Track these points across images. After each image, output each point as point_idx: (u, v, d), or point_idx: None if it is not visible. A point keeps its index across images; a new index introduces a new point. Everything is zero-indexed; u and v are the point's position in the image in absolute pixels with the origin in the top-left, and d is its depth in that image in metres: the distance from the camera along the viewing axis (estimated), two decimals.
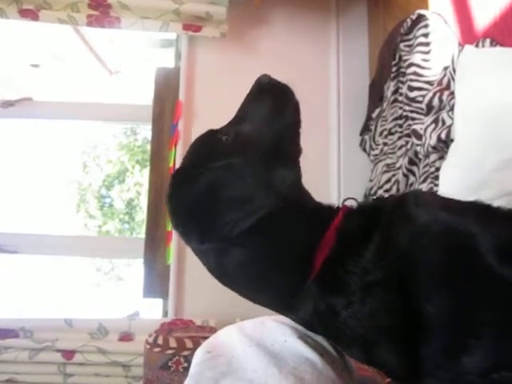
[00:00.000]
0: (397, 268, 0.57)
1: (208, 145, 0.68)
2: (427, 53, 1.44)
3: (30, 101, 2.07)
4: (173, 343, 1.31)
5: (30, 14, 1.80)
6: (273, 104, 0.68)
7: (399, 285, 0.56)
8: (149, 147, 2.06)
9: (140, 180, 3.73)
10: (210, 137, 0.69)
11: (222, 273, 0.63)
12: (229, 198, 0.59)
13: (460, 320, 0.54)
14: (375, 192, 1.75)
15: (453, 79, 1.28)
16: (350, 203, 0.68)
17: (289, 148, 0.67)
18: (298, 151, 0.69)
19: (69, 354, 1.64)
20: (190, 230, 0.61)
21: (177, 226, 0.63)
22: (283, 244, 0.61)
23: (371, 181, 1.79)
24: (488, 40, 1.16)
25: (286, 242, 0.61)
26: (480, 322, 0.53)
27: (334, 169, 1.92)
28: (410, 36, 1.55)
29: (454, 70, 1.27)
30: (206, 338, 0.71)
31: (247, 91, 0.72)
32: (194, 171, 0.63)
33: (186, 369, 1.26)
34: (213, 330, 1.48)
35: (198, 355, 0.67)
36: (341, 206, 0.67)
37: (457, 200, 0.64)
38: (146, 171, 2.32)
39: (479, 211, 0.61)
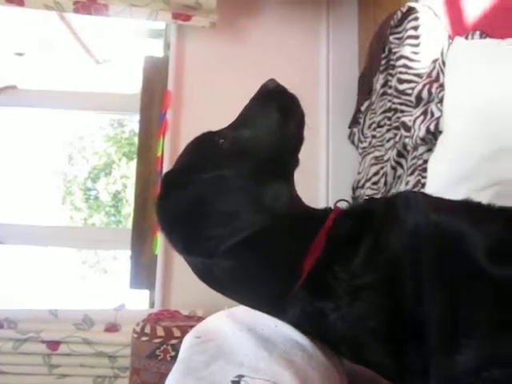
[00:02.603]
0: (386, 271, 0.57)
1: (203, 149, 0.66)
2: (417, 45, 1.45)
3: (14, 89, 2.03)
4: (160, 332, 1.30)
5: (15, 0, 1.76)
6: (277, 113, 0.65)
7: (388, 288, 0.56)
8: (136, 140, 2.04)
9: (127, 173, 3.69)
10: (206, 140, 0.67)
11: (208, 278, 0.64)
12: (216, 212, 0.58)
13: (450, 320, 0.54)
14: (363, 185, 1.75)
15: (442, 72, 1.29)
16: (342, 204, 0.67)
17: (286, 161, 0.66)
18: (294, 164, 0.67)
19: (54, 344, 1.62)
20: (175, 239, 0.60)
21: (162, 231, 0.62)
22: (271, 255, 0.60)
23: (359, 173, 1.80)
24: (478, 32, 1.16)
25: (274, 252, 0.60)
26: (471, 321, 0.54)
27: (323, 161, 1.92)
28: (400, 28, 1.55)
29: (444, 63, 1.28)
30: (194, 326, 0.70)
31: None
32: (184, 179, 0.61)
33: (174, 357, 1.25)
34: (200, 320, 1.47)
35: (187, 341, 0.66)
36: (333, 207, 0.67)
37: (447, 199, 0.64)
38: (133, 164, 2.30)
39: (470, 210, 0.61)
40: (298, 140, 0.67)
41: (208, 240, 0.57)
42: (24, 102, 2.07)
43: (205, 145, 0.66)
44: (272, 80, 0.68)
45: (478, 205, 0.62)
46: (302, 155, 0.68)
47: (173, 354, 1.26)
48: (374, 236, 0.59)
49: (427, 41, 1.41)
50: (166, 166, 1.83)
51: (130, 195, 3.21)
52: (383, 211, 0.62)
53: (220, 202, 0.58)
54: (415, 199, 0.63)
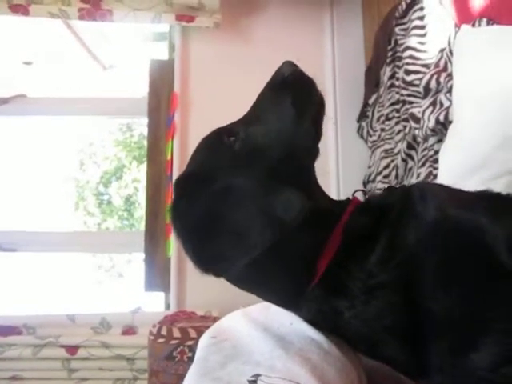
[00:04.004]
0: (403, 269, 0.56)
1: (213, 151, 0.63)
2: (423, 35, 1.43)
3: (23, 97, 2.05)
4: (176, 333, 1.31)
5: (20, 9, 1.78)
6: (292, 106, 0.61)
7: (404, 286, 0.55)
8: (145, 143, 2.05)
9: (137, 176, 3.72)
10: (216, 140, 0.63)
11: (224, 278, 0.63)
12: (226, 231, 0.56)
13: (468, 318, 0.54)
14: (374, 178, 1.74)
15: (450, 61, 1.27)
16: (360, 196, 0.66)
17: (303, 158, 0.62)
18: (313, 158, 0.64)
19: (72, 349, 1.64)
20: (188, 253, 0.59)
21: (176, 237, 0.61)
22: (286, 255, 0.59)
23: (370, 167, 1.79)
24: (484, 19, 1.14)
25: (290, 252, 0.59)
26: (488, 318, 0.53)
27: (333, 156, 1.92)
28: (405, 19, 1.54)
29: (451, 52, 1.26)
30: (210, 326, 0.70)
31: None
32: (195, 188, 0.59)
33: (191, 358, 1.25)
34: (216, 320, 1.47)
35: (203, 341, 0.66)
36: (351, 197, 0.65)
37: (465, 191, 0.62)
38: (143, 167, 2.31)
39: (489, 202, 0.59)
40: (315, 135, 0.63)
41: (219, 261, 0.56)
42: (33, 110, 2.09)
43: (215, 147, 0.63)
44: (288, 63, 0.63)
45: (498, 196, 0.60)
46: None
47: (190, 354, 1.27)
48: (391, 232, 0.58)
49: (433, 30, 1.39)
50: (176, 168, 1.84)
51: (141, 198, 3.23)
52: (400, 205, 0.60)
53: (229, 218, 0.56)
54: (432, 192, 0.61)
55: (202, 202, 0.58)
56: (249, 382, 0.55)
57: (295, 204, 0.55)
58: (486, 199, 0.60)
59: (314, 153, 0.64)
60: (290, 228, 0.54)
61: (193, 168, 0.65)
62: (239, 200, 0.57)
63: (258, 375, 0.55)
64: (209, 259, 0.57)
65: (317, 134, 0.64)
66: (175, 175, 1.81)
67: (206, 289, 1.73)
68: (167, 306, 1.86)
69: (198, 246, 0.58)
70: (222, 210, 0.57)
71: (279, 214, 0.54)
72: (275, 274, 0.61)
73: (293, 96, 0.62)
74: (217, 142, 0.64)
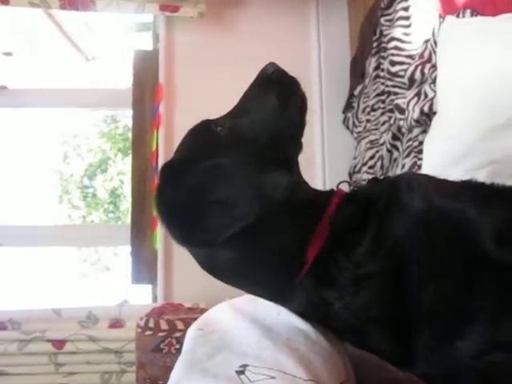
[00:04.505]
0: (390, 259, 0.56)
1: (200, 138, 0.64)
2: (408, 26, 1.44)
3: (4, 89, 2.01)
4: (164, 325, 1.31)
5: None
6: (275, 98, 0.63)
7: (392, 276, 0.56)
8: (130, 135, 2.02)
9: (123, 168, 3.68)
10: (203, 129, 0.65)
11: (212, 269, 0.63)
12: (214, 202, 0.56)
13: (454, 308, 0.54)
14: (359, 169, 1.75)
15: (434, 52, 1.28)
16: (344, 187, 0.66)
17: (288, 147, 0.64)
18: (298, 149, 0.66)
19: (59, 343, 1.63)
20: (175, 231, 0.59)
21: (162, 223, 0.61)
22: (273, 244, 0.60)
23: (355, 158, 1.80)
24: (468, 11, 1.15)
25: (276, 242, 0.60)
26: (475, 308, 0.53)
27: (318, 148, 1.92)
28: (391, 10, 1.54)
29: (436, 43, 1.27)
30: (197, 318, 0.70)
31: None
32: (182, 170, 0.60)
33: (179, 350, 1.25)
34: (203, 312, 1.48)
35: (190, 333, 0.66)
36: (335, 189, 0.66)
37: (450, 181, 0.63)
38: (129, 159, 2.29)
39: (474, 192, 0.60)
40: (299, 125, 0.66)
41: (207, 230, 0.56)
42: (15, 102, 2.05)
43: (202, 134, 0.65)
44: (271, 63, 0.66)
45: (482, 185, 0.61)
46: None
47: (177, 346, 1.27)
48: (378, 223, 0.58)
49: (418, 21, 1.40)
50: (162, 160, 1.82)
51: (127, 191, 3.20)
52: (387, 196, 0.60)
53: (218, 190, 0.56)
54: (418, 182, 0.62)
55: (188, 179, 0.59)
56: (236, 372, 0.55)
57: (282, 181, 0.56)
58: (471, 189, 0.61)
59: (298, 143, 0.66)
60: (277, 204, 0.55)
61: (180, 154, 0.65)
62: (227, 175, 0.57)
63: (245, 365, 0.56)
64: (197, 231, 0.57)
65: (300, 123, 0.65)
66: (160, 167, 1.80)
67: (193, 281, 1.72)
68: (154, 299, 1.86)
69: (185, 221, 0.58)
70: (209, 184, 0.57)
71: (268, 188, 0.55)
72: (263, 267, 0.61)
73: (277, 90, 0.64)
74: (203, 130, 0.65)
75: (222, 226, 0.55)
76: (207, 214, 0.56)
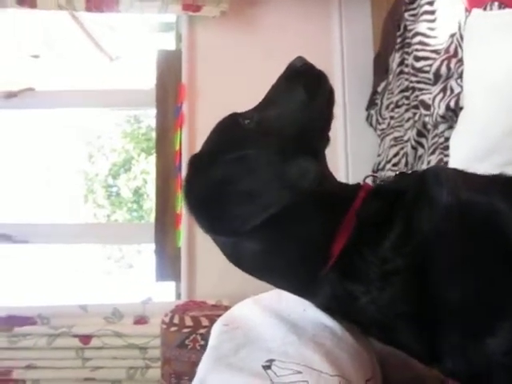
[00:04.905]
0: (418, 255, 0.56)
1: (227, 130, 0.65)
2: (433, 21, 1.42)
3: (32, 91, 2.06)
4: (189, 322, 1.32)
5: (27, 2, 1.78)
6: (303, 91, 0.64)
7: (420, 271, 0.56)
8: (153, 135, 2.05)
9: (146, 168, 3.73)
10: (231, 121, 0.66)
11: (238, 260, 0.63)
12: (241, 191, 0.57)
13: (484, 303, 0.54)
14: (383, 167, 1.74)
15: (460, 46, 1.26)
16: (370, 181, 0.66)
17: (315, 139, 0.64)
18: (325, 142, 0.66)
19: (86, 338, 1.66)
20: (201, 219, 0.60)
21: (190, 212, 0.62)
22: (299, 236, 0.60)
23: (379, 155, 1.78)
24: (496, 3, 1.13)
25: (303, 233, 0.60)
26: (505, 303, 0.53)
27: (341, 145, 1.91)
28: (415, 5, 1.52)
29: (462, 37, 1.25)
30: (221, 315, 0.71)
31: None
32: (209, 161, 0.61)
33: (203, 346, 1.26)
34: (227, 309, 1.49)
35: (215, 329, 0.67)
36: (362, 183, 0.66)
37: (479, 175, 0.62)
38: (152, 159, 2.32)
39: (503, 186, 0.59)
40: (326, 118, 0.66)
41: (233, 219, 0.57)
42: (42, 103, 2.10)
43: (230, 127, 0.66)
44: (299, 57, 0.67)
45: None
46: None
47: (202, 342, 1.28)
48: (405, 217, 0.58)
49: (443, 15, 1.37)
50: (185, 160, 1.84)
51: (150, 190, 3.25)
52: (414, 190, 0.60)
53: (245, 180, 0.57)
54: (446, 175, 0.61)
55: (216, 170, 0.59)
56: (263, 367, 0.56)
57: (311, 170, 0.57)
58: (501, 183, 0.60)
59: (325, 136, 0.66)
60: (305, 193, 0.55)
61: (207, 147, 0.66)
62: (255, 166, 0.58)
63: (271, 360, 0.56)
64: (223, 219, 0.57)
65: (328, 116, 0.66)
66: (184, 166, 1.82)
67: (216, 278, 1.75)
68: (178, 296, 1.87)
69: (212, 210, 0.58)
70: (236, 175, 0.58)
71: (296, 178, 0.56)
72: (289, 258, 0.61)
73: (305, 83, 0.64)
74: (231, 123, 0.66)
75: (249, 214, 0.56)
76: (234, 203, 0.57)
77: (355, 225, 0.59)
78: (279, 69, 0.70)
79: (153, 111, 2.01)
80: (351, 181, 2.02)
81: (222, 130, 0.66)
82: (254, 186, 0.57)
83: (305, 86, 0.64)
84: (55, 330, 1.67)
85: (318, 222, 0.60)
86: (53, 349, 1.67)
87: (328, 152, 0.67)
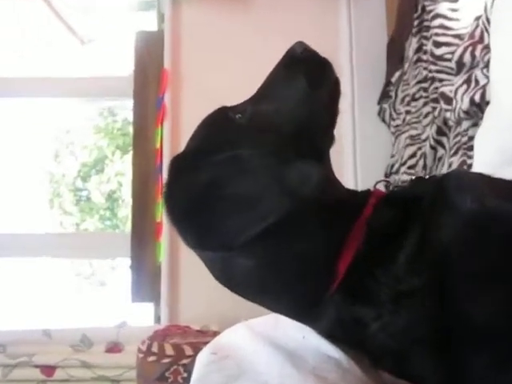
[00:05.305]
0: (437, 271, 0.56)
1: (216, 126, 0.65)
2: (455, 1, 1.43)
3: None
4: (169, 350, 1.32)
5: None
6: (305, 81, 0.64)
7: (439, 291, 0.56)
8: (130, 129, 2.05)
9: (121, 169, 3.72)
10: (220, 116, 0.66)
11: (228, 279, 0.63)
12: (233, 198, 0.56)
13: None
14: (398, 170, 1.75)
15: (487, 30, 1.27)
16: (382, 187, 0.67)
17: (318, 137, 0.64)
18: (329, 141, 0.66)
19: (49, 369, 1.65)
20: (186, 231, 0.59)
21: (172, 223, 0.61)
22: (300, 251, 0.60)
23: (393, 156, 1.79)
24: None
25: (303, 248, 0.60)
26: None
27: (349, 144, 1.92)
28: None
29: (488, 20, 1.26)
30: (209, 342, 0.71)
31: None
32: (195, 162, 0.61)
33: (186, 379, 1.26)
34: (216, 335, 1.49)
35: (202, 358, 0.67)
36: (372, 189, 0.66)
37: (506, 180, 0.62)
38: (128, 158, 2.31)
39: None
40: (331, 113, 0.66)
41: (225, 230, 0.56)
42: (2, 91, 2.10)
43: (219, 123, 0.65)
44: (300, 42, 0.67)
45: None
46: None
47: (185, 375, 1.28)
48: (422, 228, 0.58)
49: None
50: (167, 159, 1.84)
51: (126, 195, 3.24)
52: (432, 196, 0.60)
53: (238, 185, 0.57)
54: (469, 180, 0.62)
55: (202, 174, 0.59)
56: None
57: (313, 174, 0.56)
58: None
59: (329, 134, 0.66)
60: (307, 201, 0.55)
61: (191, 147, 0.66)
62: (248, 168, 0.57)
63: None
64: (213, 231, 0.57)
65: (333, 111, 0.66)
66: (166, 167, 1.82)
67: (202, 300, 1.74)
68: (157, 320, 1.88)
69: (199, 221, 0.58)
70: (226, 179, 0.57)
71: (296, 183, 0.55)
72: (287, 277, 0.61)
73: (306, 71, 0.64)
74: (220, 119, 0.65)
75: (242, 225, 0.55)
76: (224, 212, 0.56)
77: (364, 237, 0.59)
78: (277, 54, 0.70)
79: (130, 102, 2.02)
80: (360, 187, 2.03)
81: (210, 125, 0.66)
82: (249, 191, 0.56)
83: (306, 76, 0.64)
84: (13, 359, 1.65)
85: (322, 235, 0.60)
86: (9, 381, 1.66)
87: (333, 151, 0.67)
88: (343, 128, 1.90)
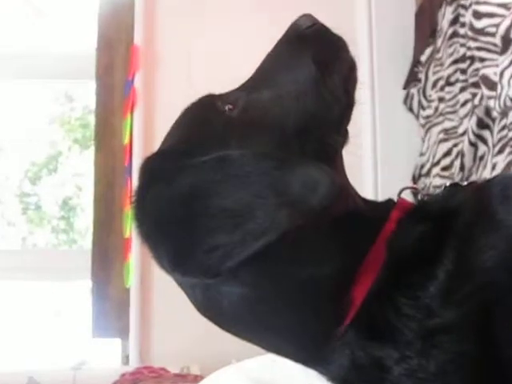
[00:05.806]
0: (479, 303, 0.57)
1: (200, 121, 0.66)
2: None
3: None
4: None
5: None
6: (312, 64, 0.64)
7: (482, 328, 0.56)
8: (92, 119, 2.05)
9: (80, 168, 3.72)
10: (205, 107, 0.66)
11: (212, 311, 0.63)
12: (219, 210, 0.56)
13: None
14: (428, 171, 1.75)
15: None
16: (409, 196, 0.67)
17: (328, 135, 0.64)
18: (342, 140, 0.66)
19: None
20: (160, 251, 0.59)
21: (143, 239, 0.60)
22: (304, 277, 0.60)
23: (423, 155, 1.80)
24: None
25: (308, 273, 0.60)
26: None
27: (367, 143, 1.92)
28: None
29: None
30: None
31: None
32: (173, 165, 0.60)
33: None
34: (197, 380, 1.49)
35: None
36: (396, 200, 0.66)
37: None
38: (89, 155, 2.31)
39: None
40: (345, 103, 0.66)
41: (209, 251, 0.55)
42: None
43: (203, 115, 0.66)
44: (306, 15, 0.67)
45: None
46: None
47: None
48: (459, 250, 0.59)
49: None
50: (138, 156, 1.84)
51: (86, 202, 3.23)
52: (472, 209, 0.61)
53: (225, 194, 0.56)
54: None
55: (182, 179, 0.59)
56: None
57: (321, 181, 0.55)
58: None
59: (342, 130, 0.66)
60: (314, 215, 0.54)
61: (168, 144, 0.66)
62: (238, 173, 0.57)
63: None
64: (193, 252, 0.56)
65: (347, 101, 0.66)
66: (136, 168, 1.82)
67: (181, 334, 1.74)
68: (125, 360, 1.88)
69: (176, 239, 0.57)
70: (213, 185, 0.57)
71: (300, 192, 0.54)
72: (287, 310, 0.61)
73: (314, 52, 0.65)
74: (205, 110, 0.66)
75: (230, 246, 0.55)
76: (209, 229, 0.56)
77: (386, 260, 0.60)
78: (278, 28, 0.70)
79: (92, 86, 2.02)
80: (381, 196, 2.05)
81: (193, 118, 0.66)
82: (238, 203, 0.55)
83: (314, 57, 0.64)
84: None
85: (332, 257, 0.60)
86: None
87: (346, 154, 0.67)
88: (360, 122, 1.91)
